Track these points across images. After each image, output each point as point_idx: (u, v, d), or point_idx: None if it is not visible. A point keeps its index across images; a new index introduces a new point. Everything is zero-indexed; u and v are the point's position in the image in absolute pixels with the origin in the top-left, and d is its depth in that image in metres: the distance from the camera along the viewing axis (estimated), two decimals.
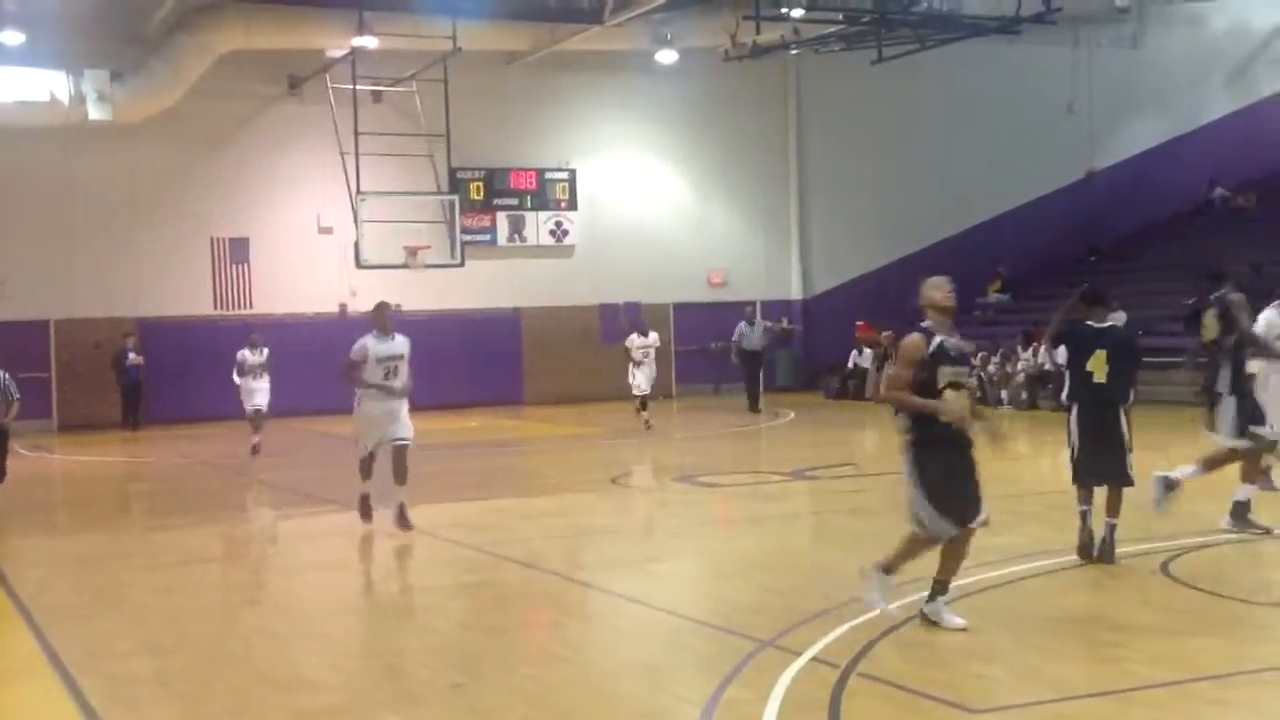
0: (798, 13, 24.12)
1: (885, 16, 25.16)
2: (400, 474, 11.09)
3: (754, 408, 23.70)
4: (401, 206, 23.87)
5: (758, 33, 24.61)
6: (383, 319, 11.41)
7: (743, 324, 24.41)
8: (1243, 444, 9.68)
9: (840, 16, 24.94)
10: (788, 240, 29.83)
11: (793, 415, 23.22)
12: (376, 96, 24.72)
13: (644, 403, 20.89)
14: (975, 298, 28.15)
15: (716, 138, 28.95)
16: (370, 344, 11.23)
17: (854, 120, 29.41)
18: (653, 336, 21.37)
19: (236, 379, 18.80)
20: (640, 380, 20.89)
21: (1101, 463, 8.78)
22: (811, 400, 26.38)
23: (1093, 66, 31.10)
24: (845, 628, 7.14)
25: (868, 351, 26.80)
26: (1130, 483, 8.75)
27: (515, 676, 6.69)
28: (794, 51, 26.66)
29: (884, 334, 26.82)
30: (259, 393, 18.60)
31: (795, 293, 29.82)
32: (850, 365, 27.15)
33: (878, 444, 19.64)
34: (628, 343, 21.33)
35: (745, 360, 24.24)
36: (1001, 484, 10.51)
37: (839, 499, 13.05)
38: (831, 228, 29.79)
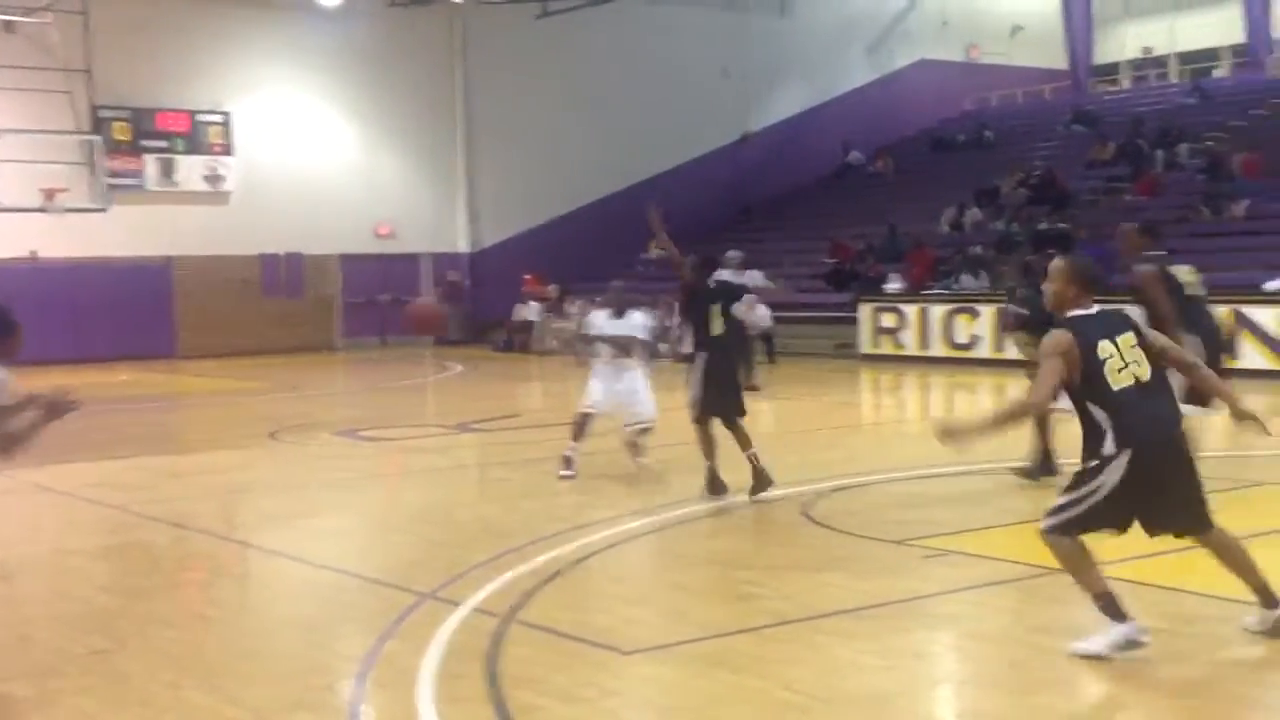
0: None
1: None
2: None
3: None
4: (39, 146, 22.21)
5: None
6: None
7: None
8: None
9: None
10: (455, 192, 29.69)
11: (460, 369, 23.22)
12: (8, 27, 22.82)
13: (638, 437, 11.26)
14: (638, 254, 28.90)
15: (383, 86, 28.39)
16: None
17: (522, 74, 29.49)
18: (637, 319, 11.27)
19: None
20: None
21: (724, 401, 9.67)
22: (478, 354, 26.44)
23: (748, 32, 32.35)
24: (508, 576, 7.25)
25: (534, 304, 27.09)
26: (744, 413, 9.73)
27: (161, 639, 6.44)
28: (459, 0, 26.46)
29: (550, 287, 27.21)
30: None
31: (463, 246, 29.75)
32: (516, 319, 27.37)
33: (542, 396, 19.96)
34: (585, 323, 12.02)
35: None
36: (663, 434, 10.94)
37: (503, 451, 13.18)
38: (499, 181, 29.84)
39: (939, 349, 21.32)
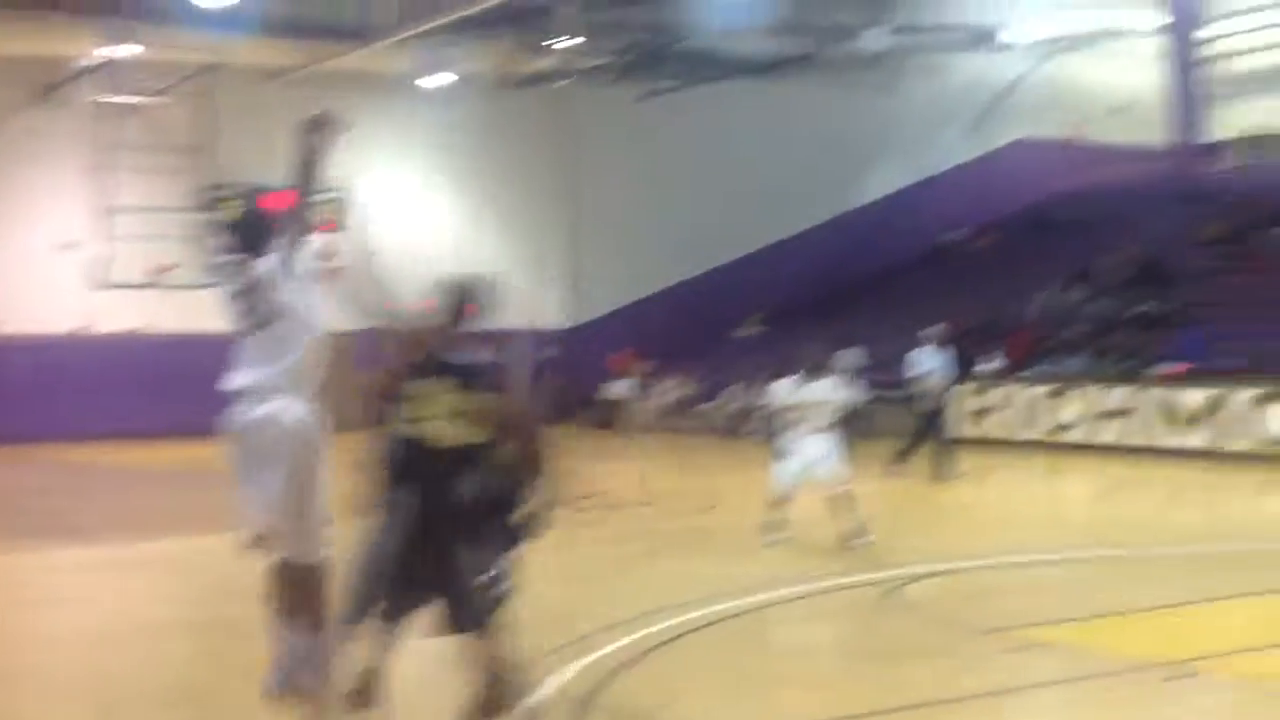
0: (566, 43, 24.46)
1: (652, 52, 25.74)
2: None
3: None
4: (155, 224, 23.01)
5: (530, 62, 24.82)
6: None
7: None
8: None
9: (608, 49, 25.40)
10: (557, 269, 30.08)
11: None
12: (134, 109, 23.80)
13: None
14: (731, 331, 28.90)
15: (489, 165, 29.00)
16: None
17: (622, 153, 29.94)
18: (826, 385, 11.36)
19: None
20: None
21: None
22: (565, 430, 26.58)
23: (851, 109, 32.43)
24: (587, 660, 7.23)
25: (625, 382, 27.18)
26: None
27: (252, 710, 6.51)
28: (562, 83, 27.02)
29: (642, 364, 27.29)
30: None
31: (559, 321, 30.09)
32: (606, 396, 27.43)
33: (622, 476, 19.97)
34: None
35: None
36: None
37: (579, 530, 13.22)
38: (599, 258, 30.14)
39: (1037, 432, 20.94)
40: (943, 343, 17.02)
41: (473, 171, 28.97)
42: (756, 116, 30.96)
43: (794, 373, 10.92)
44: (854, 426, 20.97)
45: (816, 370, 10.85)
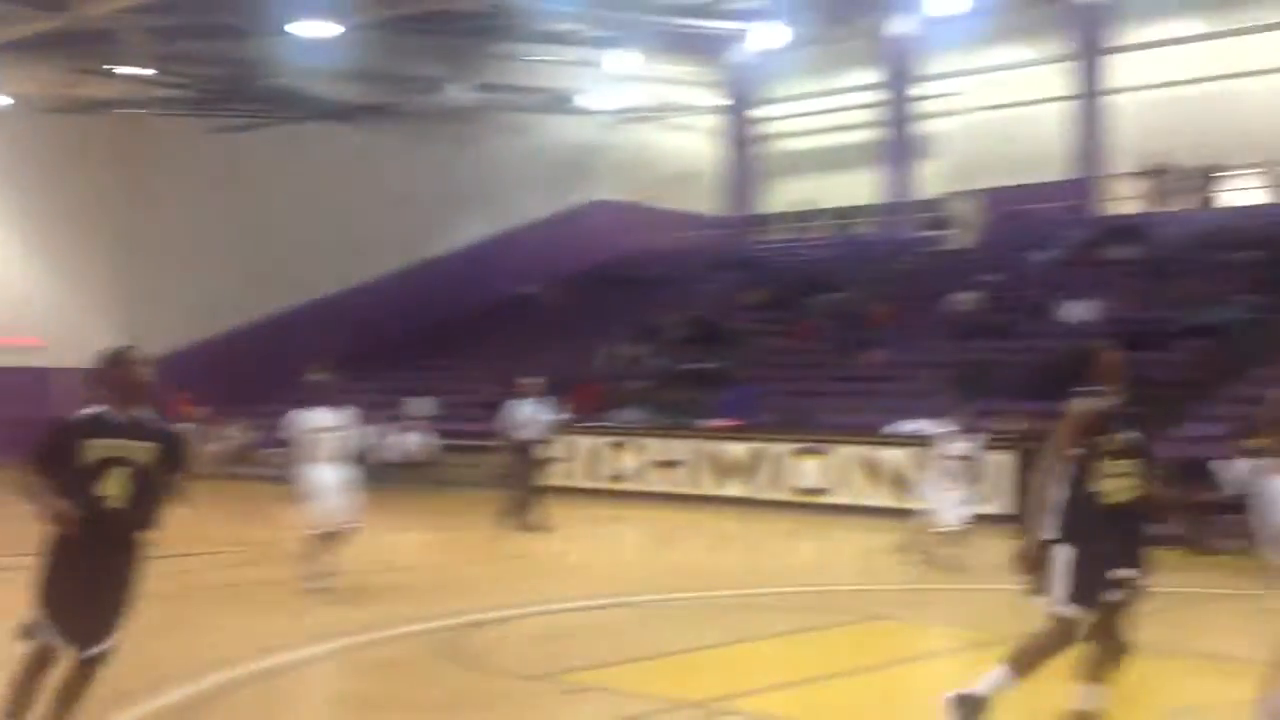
0: (131, 71, 23.30)
1: (228, 87, 24.97)
2: None
3: None
4: None
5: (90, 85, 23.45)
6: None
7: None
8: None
9: (177, 80, 24.42)
10: (111, 305, 28.31)
11: None
12: None
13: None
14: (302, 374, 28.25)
15: (43, 193, 27.02)
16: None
17: (188, 187, 28.68)
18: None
19: None
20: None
21: None
22: None
23: (430, 160, 32.67)
24: None
25: (183, 426, 25.94)
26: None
27: None
28: (126, 111, 25.66)
29: (201, 409, 26.12)
30: None
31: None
32: None
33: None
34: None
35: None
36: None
37: None
38: (158, 295, 28.67)
39: (599, 481, 21.78)
40: (542, 394, 17.13)
41: (23, 197, 26.86)
42: (339, 160, 30.58)
43: (317, 404, 10.91)
44: (426, 474, 21.14)
45: (324, 399, 10.85)
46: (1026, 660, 6.10)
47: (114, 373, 5.72)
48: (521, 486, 16.69)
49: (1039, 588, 6.07)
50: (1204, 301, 21.32)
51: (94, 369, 5.70)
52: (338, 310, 30.76)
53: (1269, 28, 27.93)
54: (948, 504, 12.85)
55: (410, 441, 23.66)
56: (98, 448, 5.57)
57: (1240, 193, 28.81)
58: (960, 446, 13.02)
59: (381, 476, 15.96)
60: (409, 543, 16.17)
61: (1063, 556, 6.00)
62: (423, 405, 25.59)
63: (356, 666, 8.79)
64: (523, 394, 16.83)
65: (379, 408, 21.96)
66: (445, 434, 23.84)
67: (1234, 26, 28.99)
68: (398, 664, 8.93)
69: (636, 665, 8.61)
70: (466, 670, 8.48)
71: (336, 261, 30.76)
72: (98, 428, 5.62)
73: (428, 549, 15.63)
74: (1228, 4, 29.34)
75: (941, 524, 12.88)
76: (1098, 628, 6.06)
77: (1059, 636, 6.06)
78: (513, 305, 33.28)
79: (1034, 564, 6.08)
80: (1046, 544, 6.04)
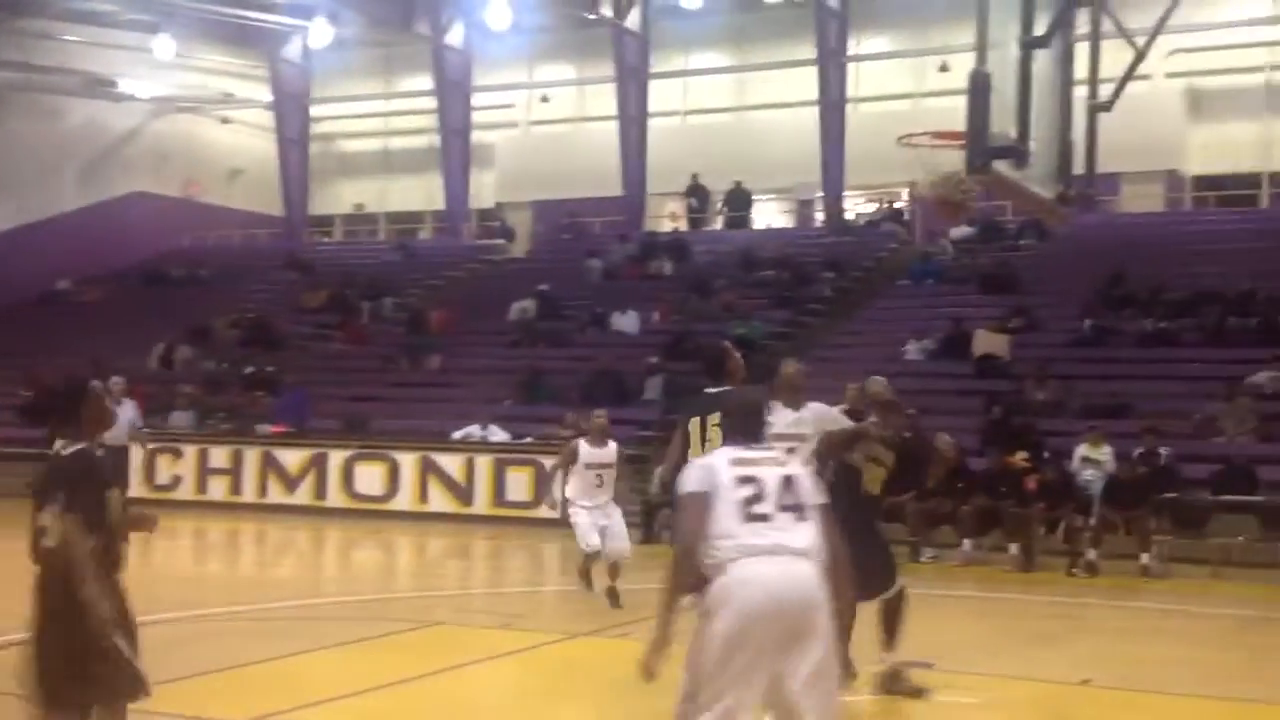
0: None
1: None
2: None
3: None
4: None
5: None
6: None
7: None
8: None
9: None
10: None
11: None
12: None
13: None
14: None
15: None
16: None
17: None
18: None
19: None
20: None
21: None
22: None
23: None
24: None
25: None
26: None
27: None
28: None
29: None
30: None
31: None
32: None
33: None
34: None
35: None
36: None
37: None
38: None
39: (145, 489, 20.64)
40: (125, 396, 16.33)
41: None
42: None
43: None
44: None
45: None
46: None
47: None
48: None
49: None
50: (736, 315, 23.06)
51: None
52: None
53: (785, 65, 30.54)
54: (589, 524, 11.62)
55: None
56: None
57: (766, 216, 31.56)
58: (598, 455, 11.80)
59: None
60: None
61: None
62: None
63: None
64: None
65: None
66: None
67: (755, 62, 31.61)
68: None
69: (177, 685, 8.30)
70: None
71: None
72: None
73: None
74: (748, 40, 31.92)
75: (587, 545, 11.62)
76: None
77: None
78: (41, 302, 30.89)
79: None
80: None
